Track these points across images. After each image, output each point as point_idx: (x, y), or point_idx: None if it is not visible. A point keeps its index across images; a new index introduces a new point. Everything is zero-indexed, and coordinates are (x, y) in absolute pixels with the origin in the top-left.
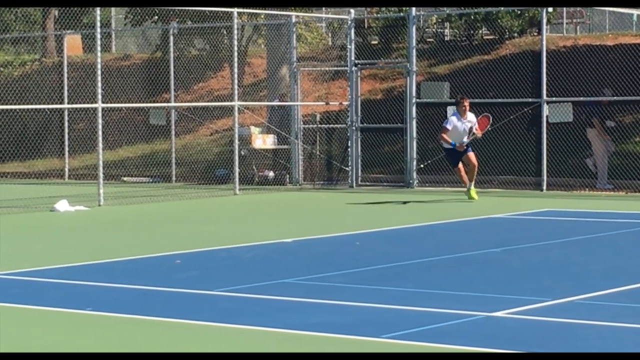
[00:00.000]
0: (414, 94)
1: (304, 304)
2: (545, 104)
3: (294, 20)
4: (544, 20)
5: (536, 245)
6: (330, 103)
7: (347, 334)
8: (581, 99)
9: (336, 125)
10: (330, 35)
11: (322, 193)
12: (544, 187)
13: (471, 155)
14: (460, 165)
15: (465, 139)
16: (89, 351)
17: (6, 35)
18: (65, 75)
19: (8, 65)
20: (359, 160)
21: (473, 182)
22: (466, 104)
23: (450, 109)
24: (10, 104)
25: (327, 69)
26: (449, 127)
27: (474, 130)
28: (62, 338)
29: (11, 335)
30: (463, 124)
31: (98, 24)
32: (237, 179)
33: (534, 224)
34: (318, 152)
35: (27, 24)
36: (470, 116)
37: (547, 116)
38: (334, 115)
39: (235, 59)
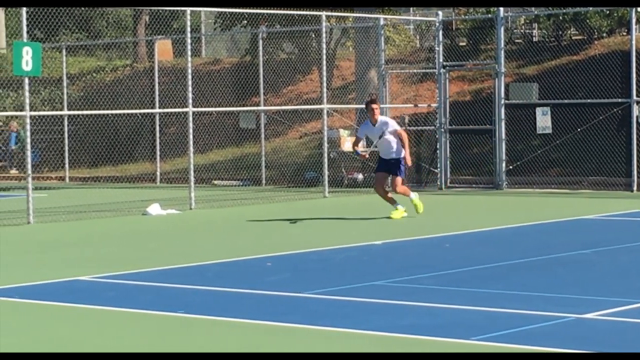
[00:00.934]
0: (502, 95)
1: (393, 306)
2: (635, 104)
3: (382, 22)
4: (633, 20)
5: (626, 247)
6: (419, 105)
7: (437, 336)
8: None
9: (425, 127)
10: (418, 37)
11: None
12: (635, 188)
13: (397, 181)
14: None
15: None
16: (180, 352)
17: (98, 41)
18: (157, 80)
19: (100, 71)
20: (448, 162)
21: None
22: (374, 107)
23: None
24: (103, 109)
25: (415, 71)
26: (360, 136)
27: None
28: (155, 340)
29: (106, 337)
30: (374, 130)
31: (188, 28)
32: (326, 182)
33: (624, 225)
34: None
35: (118, 29)
36: (382, 121)
37: (637, 116)
38: (422, 117)
39: (324, 62)
